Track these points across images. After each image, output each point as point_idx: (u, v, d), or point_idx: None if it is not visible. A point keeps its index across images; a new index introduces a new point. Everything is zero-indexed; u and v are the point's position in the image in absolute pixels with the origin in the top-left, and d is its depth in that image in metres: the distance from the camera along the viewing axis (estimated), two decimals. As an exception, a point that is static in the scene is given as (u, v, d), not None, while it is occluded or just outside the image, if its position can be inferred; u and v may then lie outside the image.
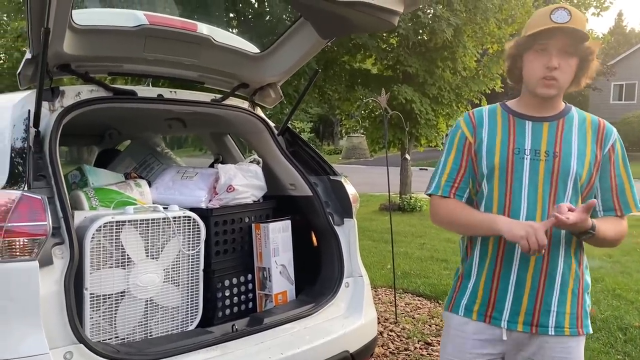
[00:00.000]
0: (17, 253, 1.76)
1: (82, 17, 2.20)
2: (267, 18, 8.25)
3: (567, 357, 1.68)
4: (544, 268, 1.63)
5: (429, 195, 1.81)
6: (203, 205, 2.58)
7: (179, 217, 2.33)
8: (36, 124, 2.02)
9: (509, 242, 1.61)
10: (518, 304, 1.66)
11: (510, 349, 1.71)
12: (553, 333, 1.65)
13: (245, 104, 2.91)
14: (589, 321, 1.73)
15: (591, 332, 1.75)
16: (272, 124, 2.92)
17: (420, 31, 9.55)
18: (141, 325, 2.25)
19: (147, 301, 2.26)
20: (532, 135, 1.68)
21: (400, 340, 3.87)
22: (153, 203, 2.50)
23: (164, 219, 2.28)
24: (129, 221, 2.18)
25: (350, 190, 2.78)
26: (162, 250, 2.29)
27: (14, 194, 1.82)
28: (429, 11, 9.28)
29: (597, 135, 1.69)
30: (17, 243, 1.76)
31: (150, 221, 2.24)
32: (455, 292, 1.81)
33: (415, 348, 3.74)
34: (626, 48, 32.72)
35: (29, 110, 2.03)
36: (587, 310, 1.72)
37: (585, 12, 11.16)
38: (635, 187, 1.71)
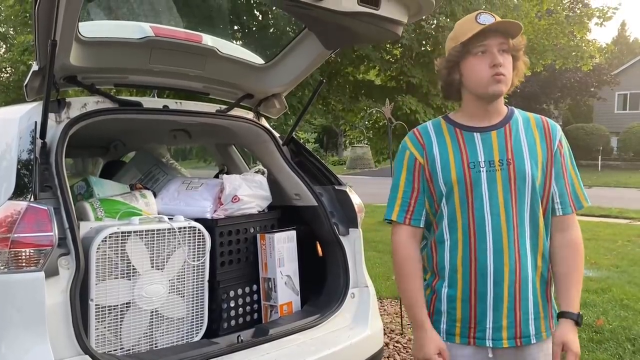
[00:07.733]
0: (24, 264, 1.77)
1: (89, 29, 2.22)
2: (272, 30, 8.30)
3: None
4: (517, 278, 1.61)
5: (387, 220, 1.75)
6: (208, 216, 2.58)
7: (184, 227, 2.33)
8: (42, 135, 2.03)
9: (480, 259, 1.60)
10: (499, 319, 1.62)
11: None
12: (535, 341, 1.64)
13: (250, 115, 2.92)
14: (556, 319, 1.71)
15: None
16: (276, 134, 2.93)
17: (424, 42, 9.57)
18: (146, 336, 2.24)
19: (152, 312, 2.25)
20: (483, 146, 1.66)
21: (407, 352, 3.84)
22: (158, 214, 2.50)
23: (169, 229, 2.29)
24: (134, 232, 2.18)
25: (356, 200, 2.78)
26: (167, 261, 2.29)
27: (20, 204, 1.83)
28: (432, 22, 9.30)
29: (543, 133, 1.69)
30: (24, 254, 1.77)
31: (155, 232, 2.25)
32: (429, 315, 1.71)
33: None
34: (630, 57, 32.76)
35: (36, 122, 2.05)
36: (555, 308, 1.71)
37: (589, 22, 11.09)
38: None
